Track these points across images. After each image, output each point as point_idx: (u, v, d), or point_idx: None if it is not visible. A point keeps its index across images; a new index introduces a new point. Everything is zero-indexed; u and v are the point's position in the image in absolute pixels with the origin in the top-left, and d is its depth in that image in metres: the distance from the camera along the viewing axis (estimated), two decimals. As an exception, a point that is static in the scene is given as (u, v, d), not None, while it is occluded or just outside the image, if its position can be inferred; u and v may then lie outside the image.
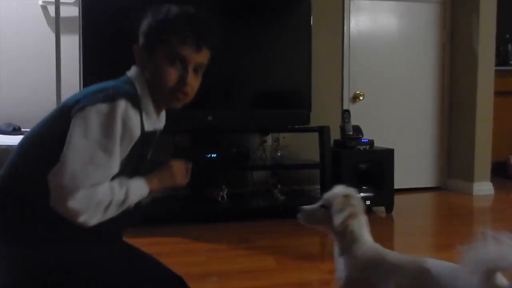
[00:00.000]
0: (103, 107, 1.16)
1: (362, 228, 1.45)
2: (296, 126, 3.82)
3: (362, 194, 3.78)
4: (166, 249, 2.77)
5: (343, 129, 3.91)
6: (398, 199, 3.94)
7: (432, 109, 4.82)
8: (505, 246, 1.10)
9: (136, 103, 1.23)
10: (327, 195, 1.50)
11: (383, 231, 3.38)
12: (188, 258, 2.68)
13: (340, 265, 1.45)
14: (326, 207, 1.48)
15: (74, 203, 1.10)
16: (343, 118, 3.95)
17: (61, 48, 3.30)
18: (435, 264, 1.31)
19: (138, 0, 3.57)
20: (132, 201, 1.24)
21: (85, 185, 1.12)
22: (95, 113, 1.16)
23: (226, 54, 3.77)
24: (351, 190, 1.50)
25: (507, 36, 5.35)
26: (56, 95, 3.27)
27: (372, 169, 3.83)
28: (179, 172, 1.41)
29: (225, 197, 3.66)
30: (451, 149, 4.83)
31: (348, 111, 4.00)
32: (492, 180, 4.61)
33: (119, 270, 1.31)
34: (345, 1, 4.49)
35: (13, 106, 3.63)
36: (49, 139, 1.22)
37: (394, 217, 3.77)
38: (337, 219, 1.42)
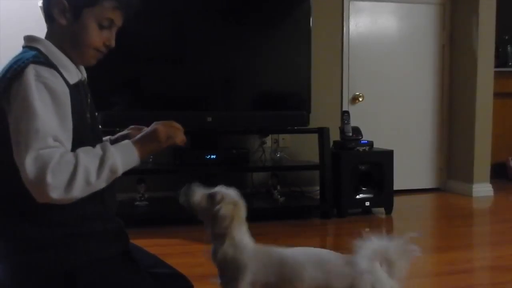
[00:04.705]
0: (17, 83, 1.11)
1: (244, 235, 1.41)
2: (295, 128, 3.82)
3: (361, 195, 3.79)
4: (166, 250, 2.77)
5: (342, 131, 3.91)
6: (397, 200, 3.94)
7: (432, 111, 4.82)
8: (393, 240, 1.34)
9: (46, 62, 1.16)
10: (222, 189, 1.43)
11: (382, 232, 3.37)
12: (189, 259, 2.68)
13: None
14: (214, 198, 1.40)
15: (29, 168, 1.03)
16: (342, 119, 3.95)
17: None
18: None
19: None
20: (118, 163, 1.15)
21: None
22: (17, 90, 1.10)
23: (225, 55, 3.78)
24: (240, 198, 1.46)
25: (507, 37, 5.35)
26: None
27: (371, 171, 3.83)
28: (165, 134, 1.28)
29: (225, 198, 3.66)
30: (451, 150, 4.83)
31: (347, 112, 4.00)
32: (491, 182, 4.61)
33: (124, 270, 1.31)
34: (345, 2, 4.50)
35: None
36: None
37: (394, 219, 3.76)
38: (221, 222, 1.37)
